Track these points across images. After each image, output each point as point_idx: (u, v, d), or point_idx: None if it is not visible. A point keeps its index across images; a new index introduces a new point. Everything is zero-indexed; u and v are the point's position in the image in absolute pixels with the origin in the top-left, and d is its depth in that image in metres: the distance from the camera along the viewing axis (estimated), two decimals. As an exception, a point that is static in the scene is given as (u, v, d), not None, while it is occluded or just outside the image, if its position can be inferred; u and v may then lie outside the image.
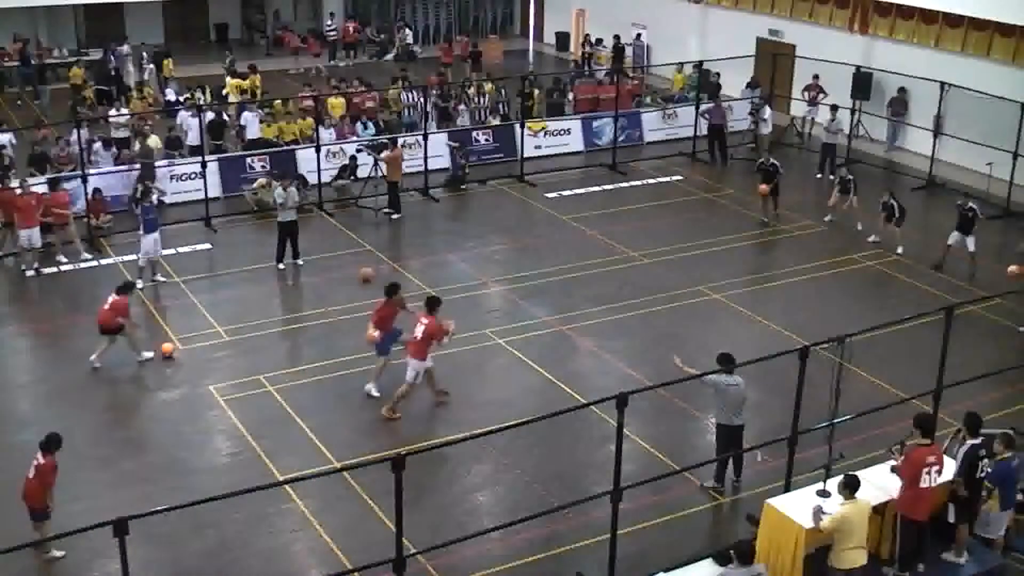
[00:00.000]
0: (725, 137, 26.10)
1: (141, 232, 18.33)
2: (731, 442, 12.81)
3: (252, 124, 24.13)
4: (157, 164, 22.32)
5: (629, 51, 34.26)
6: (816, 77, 26.79)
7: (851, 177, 21.22)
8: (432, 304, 14.53)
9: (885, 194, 20.35)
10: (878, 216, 20.33)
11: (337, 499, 12.69)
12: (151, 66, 30.41)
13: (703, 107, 26.30)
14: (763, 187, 21.52)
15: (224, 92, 27.11)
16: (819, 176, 24.60)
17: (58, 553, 11.68)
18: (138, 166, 21.84)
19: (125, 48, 31.50)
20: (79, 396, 15.06)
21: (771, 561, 10.78)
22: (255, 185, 22.15)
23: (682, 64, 29.30)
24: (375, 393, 14.92)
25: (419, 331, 14.21)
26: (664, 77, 31.56)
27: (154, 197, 18.97)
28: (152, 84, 29.64)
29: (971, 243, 19.11)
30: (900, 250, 20.04)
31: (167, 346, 16.16)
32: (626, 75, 30.15)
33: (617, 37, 33.68)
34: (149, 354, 15.98)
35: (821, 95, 26.60)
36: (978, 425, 11.37)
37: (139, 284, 18.31)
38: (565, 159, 26.10)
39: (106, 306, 15.72)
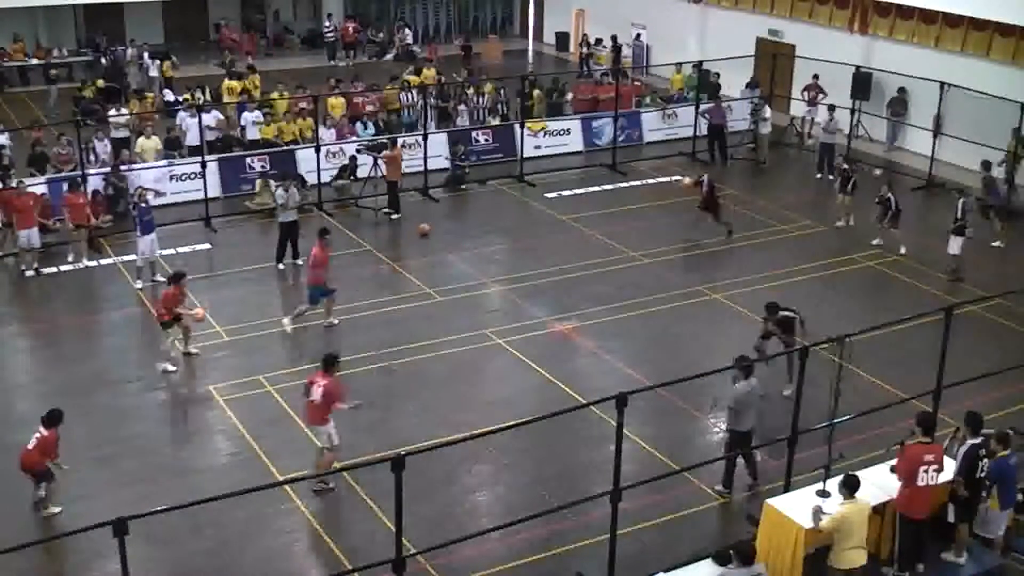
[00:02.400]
0: (725, 137, 26.10)
1: (137, 234, 18.36)
2: (736, 448, 12.73)
3: (252, 125, 24.14)
4: (156, 164, 22.36)
5: (628, 51, 34.25)
6: (816, 77, 26.77)
7: (853, 174, 21.25)
8: (328, 363, 12.89)
9: (884, 187, 20.24)
10: (873, 210, 20.25)
11: (337, 499, 12.69)
12: (156, 61, 30.42)
13: (703, 107, 26.30)
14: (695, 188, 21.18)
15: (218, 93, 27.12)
16: (819, 176, 24.61)
17: (55, 509, 12.23)
18: (139, 165, 21.94)
19: (130, 50, 31.51)
20: (79, 396, 15.03)
21: (771, 561, 10.78)
22: (256, 189, 22.20)
23: (681, 64, 29.32)
24: (288, 329, 16.65)
25: (317, 393, 12.61)
26: (664, 77, 31.57)
27: (150, 197, 18.95)
28: (155, 85, 29.65)
29: (955, 245, 19.03)
30: (903, 250, 20.02)
31: (199, 311, 15.94)
32: (625, 75, 30.10)
33: (614, 38, 33.70)
34: (173, 365, 15.80)
35: (820, 95, 26.61)
36: (979, 424, 11.37)
37: (138, 284, 18.36)
38: (565, 159, 26.10)
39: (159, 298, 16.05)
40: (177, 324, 15.80)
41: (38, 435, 12.33)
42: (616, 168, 25.17)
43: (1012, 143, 22.78)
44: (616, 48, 33.48)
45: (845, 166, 21.53)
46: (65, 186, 19.89)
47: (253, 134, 24.14)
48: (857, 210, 21.17)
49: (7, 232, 19.46)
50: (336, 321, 17.13)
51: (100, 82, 28.86)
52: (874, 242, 20.43)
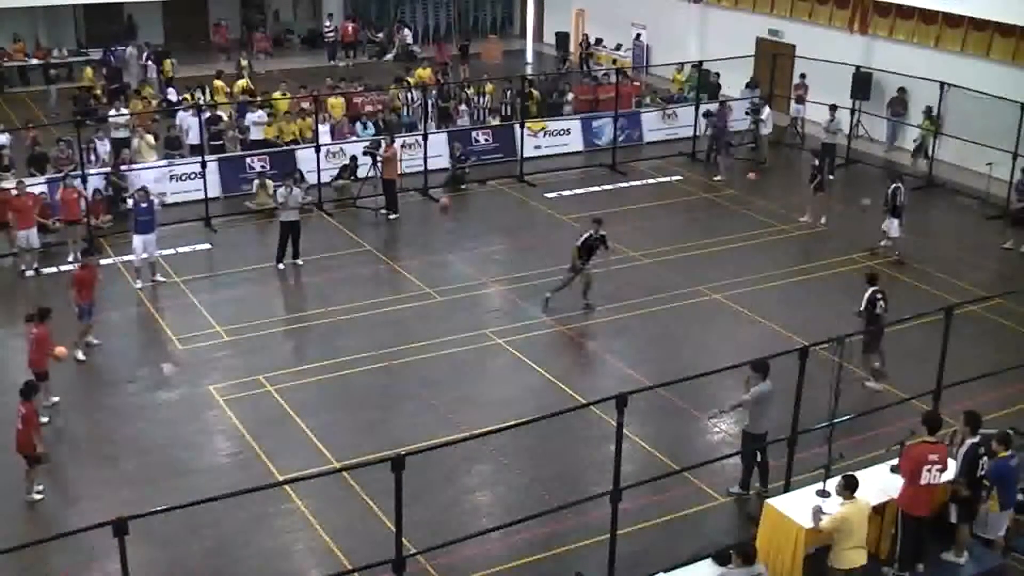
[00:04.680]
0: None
1: (132, 232, 18.36)
2: (750, 449, 12.67)
3: (254, 125, 24.14)
4: (156, 164, 22.36)
5: (600, 50, 34.34)
6: (803, 76, 26.90)
7: (821, 172, 21.43)
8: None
9: (895, 182, 20.02)
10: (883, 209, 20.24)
11: (337, 499, 12.68)
12: (152, 64, 30.41)
13: (711, 116, 26.28)
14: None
15: (230, 91, 27.13)
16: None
17: (37, 496, 12.43)
18: (139, 165, 21.93)
19: (129, 49, 31.49)
20: (79, 396, 15.06)
21: (771, 561, 10.78)
22: (254, 189, 22.21)
23: (682, 64, 29.30)
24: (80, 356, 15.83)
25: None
26: (664, 77, 31.57)
27: (154, 199, 18.90)
28: (154, 84, 29.65)
29: (893, 227, 19.41)
30: (897, 253, 20.02)
31: (61, 349, 14.62)
32: (626, 74, 30.07)
33: (596, 39, 33.77)
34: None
35: (806, 93, 26.74)
36: (978, 423, 11.36)
37: (138, 284, 18.36)
38: (565, 159, 26.10)
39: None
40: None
41: (20, 412, 12.45)
42: (616, 168, 25.17)
43: (925, 122, 24.06)
44: (588, 52, 33.56)
45: (815, 162, 21.55)
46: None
47: (256, 134, 24.12)
48: (852, 208, 21.17)
49: (6, 232, 19.46)
50: (83, 357, 15.81)
51: (90, 71, 29.05)
52: (883, 243, 20.35)
